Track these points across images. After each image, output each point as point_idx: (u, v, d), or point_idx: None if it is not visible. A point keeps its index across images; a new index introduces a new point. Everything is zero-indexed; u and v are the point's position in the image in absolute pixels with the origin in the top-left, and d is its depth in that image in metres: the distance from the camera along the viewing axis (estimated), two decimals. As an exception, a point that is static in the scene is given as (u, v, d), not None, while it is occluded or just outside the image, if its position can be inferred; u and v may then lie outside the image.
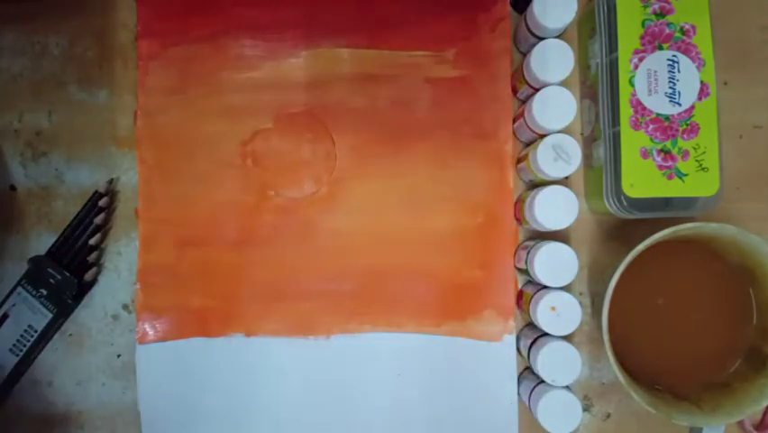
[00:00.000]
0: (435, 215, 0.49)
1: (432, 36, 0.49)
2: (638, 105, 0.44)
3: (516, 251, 0.49)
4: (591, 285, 0.49)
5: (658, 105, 0.44)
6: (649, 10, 0.45)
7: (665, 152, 0.44)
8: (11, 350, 0.48)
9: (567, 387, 0.45)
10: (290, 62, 0.49)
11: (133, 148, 0.49)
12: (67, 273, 0.48)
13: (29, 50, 0.50)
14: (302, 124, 0.49)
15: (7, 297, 0.48)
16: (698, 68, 0.45)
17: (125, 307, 0.50)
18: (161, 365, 0.48)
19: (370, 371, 0.48)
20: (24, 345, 0.48)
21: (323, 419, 0.48)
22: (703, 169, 0.44)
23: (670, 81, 0.44)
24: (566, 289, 0.45)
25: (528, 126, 0.46)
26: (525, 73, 0.46)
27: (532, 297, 0.46)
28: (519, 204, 0.48)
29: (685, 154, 0.44)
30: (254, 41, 0.49)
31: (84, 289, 0.49)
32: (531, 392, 0.45)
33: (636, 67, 0.45)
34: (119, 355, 0.49)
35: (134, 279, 0.49)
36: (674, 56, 0.45)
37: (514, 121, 0.49)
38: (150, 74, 0.49)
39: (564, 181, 0.47)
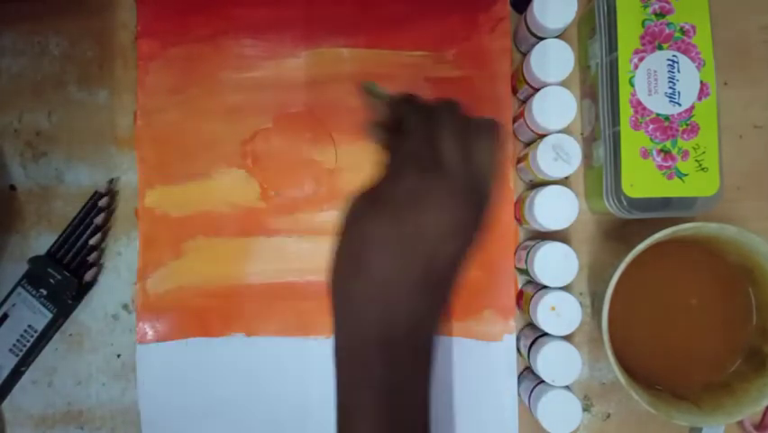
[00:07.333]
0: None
1: (432, 36, 0.49)
2: (638, 106, 0.44)
3: (516, 251, 0.49)
4: (591, 285, 0.49)
5: (658, 105, 0.44)
6: (649, 10, 0.45)
7: (665, 152, 0.44)
8: (11, 350, 0.48)
9: (567, 387, 0.45)
10: (290, 62, 0.49)
11: (133, 148, 0.49)
12: (67, 273, 0.48)
13: (29, 50, 0.50)
14: (302, 124, 0.49)
15: (7, 297, 0.48)
16: (698, 68, 0.45)
17: (125, 307, 0.50)
18: (161, 365, 0.48)
19: (370, 371, 0.48)
20: (24, 345, 0.48)
21: (323, 418, 0.48)
22: (703, 169, 0.44)
23: (670, 81, 0.44)
24: (566, 289, 0.45)
25: (528, 126, 0.46)
26: (525, 73, 0.46)
27: (532, 297, 0.46)
28: (519, 204, 0.48)
29: (685, 154, 0.44)
30: (254, 41, 0.49)
31: (84, 289, 0.49)
32: (531, 392, 0.45)
33: (636, 67, 0.44)
34: (119, 355, 0.49)
35: (134, 279, 0.49)
36: (674, 56, 0.45)
37: (514, 121, 0.49)
38: (151, 74, 0.49)
39: (564, 181, 0.47)
